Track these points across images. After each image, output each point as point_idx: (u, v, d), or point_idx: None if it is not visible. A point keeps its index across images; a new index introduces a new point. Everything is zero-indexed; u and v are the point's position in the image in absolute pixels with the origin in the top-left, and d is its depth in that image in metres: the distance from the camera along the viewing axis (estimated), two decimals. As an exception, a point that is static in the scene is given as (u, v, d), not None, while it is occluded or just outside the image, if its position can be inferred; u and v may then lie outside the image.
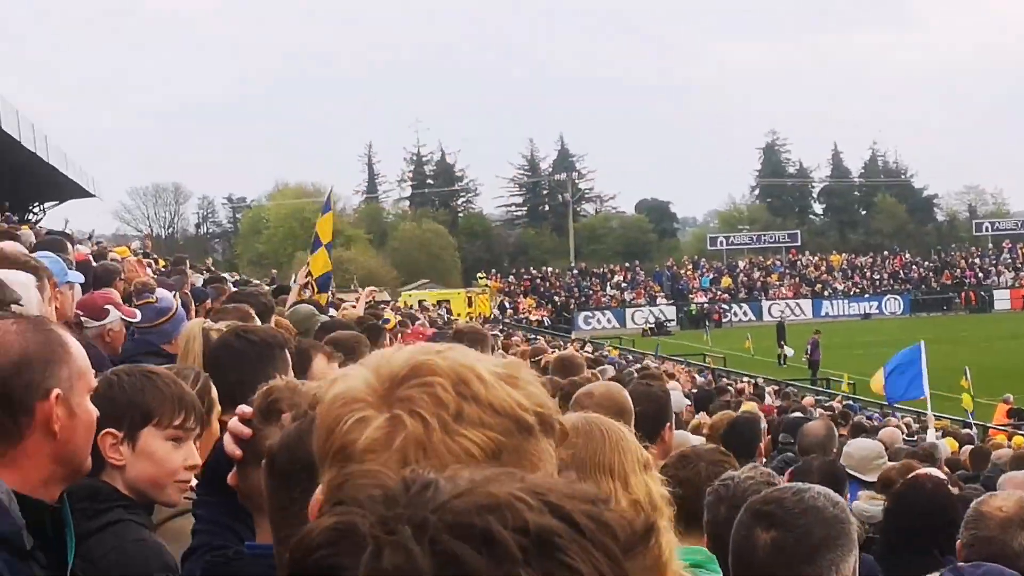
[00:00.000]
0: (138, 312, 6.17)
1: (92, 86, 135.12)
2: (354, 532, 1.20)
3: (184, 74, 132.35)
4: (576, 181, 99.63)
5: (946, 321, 65.61)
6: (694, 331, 63.49)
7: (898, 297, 75.02)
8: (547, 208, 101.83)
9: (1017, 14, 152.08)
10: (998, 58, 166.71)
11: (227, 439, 2.78)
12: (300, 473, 2.21)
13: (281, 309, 9.16)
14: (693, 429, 9.96)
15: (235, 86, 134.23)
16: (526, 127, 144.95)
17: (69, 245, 8.55)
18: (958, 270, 79.51)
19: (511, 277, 78.12)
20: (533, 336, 41.70)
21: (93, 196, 41.81)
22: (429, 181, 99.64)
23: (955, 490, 8.37)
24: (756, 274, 78.02)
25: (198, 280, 16.06)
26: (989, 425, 26.75)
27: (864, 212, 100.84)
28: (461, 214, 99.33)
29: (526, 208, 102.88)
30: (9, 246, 6.11)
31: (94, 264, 9.60)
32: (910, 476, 6.91)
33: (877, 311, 72.84)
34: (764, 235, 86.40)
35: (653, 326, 64.26)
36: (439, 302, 56.79)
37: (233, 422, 2.79)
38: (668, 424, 5.62)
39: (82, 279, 6.37)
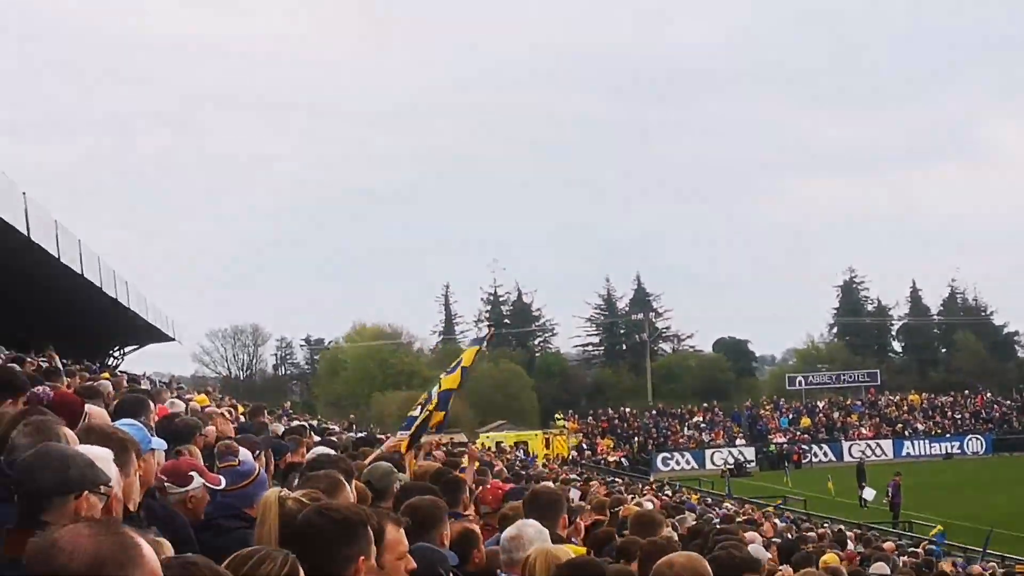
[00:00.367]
0: (222, 479, 6.23)
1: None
2: None
3: (259, 214, 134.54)
4: (653, 320, 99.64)
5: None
6: (774, 472, 62.81)
7: (980, 437, 73.58)
8: (624, 347, 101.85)
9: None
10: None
11: None
12: None
13: (362, 464, 9.19)
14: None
15: (308, 225, 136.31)
16: (603, 266, 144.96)
17: (151, 403, 8.65)
18: (1040, 409, 78.04)
19: (589, 417, 77.63)
20: (611, 479, 41.36)
21: (173, 340, 42.46)
22: (506, 320, 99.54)
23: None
24: (836, 414, 77.00)
25: (278, 428, 16.21)
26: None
27: (944, 350, 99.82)
28: (538, 353, 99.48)
29: (603, 347, 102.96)
30: (95, 413, 6.19)
31: (176, 420, 9.72)
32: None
33: (959, 451, 71.46)
34: (843, 374, 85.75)
35: (733, 467, 63.43)
36: (516, 443, 56.70)
37: None
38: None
39: (165, 446, 6.44)
